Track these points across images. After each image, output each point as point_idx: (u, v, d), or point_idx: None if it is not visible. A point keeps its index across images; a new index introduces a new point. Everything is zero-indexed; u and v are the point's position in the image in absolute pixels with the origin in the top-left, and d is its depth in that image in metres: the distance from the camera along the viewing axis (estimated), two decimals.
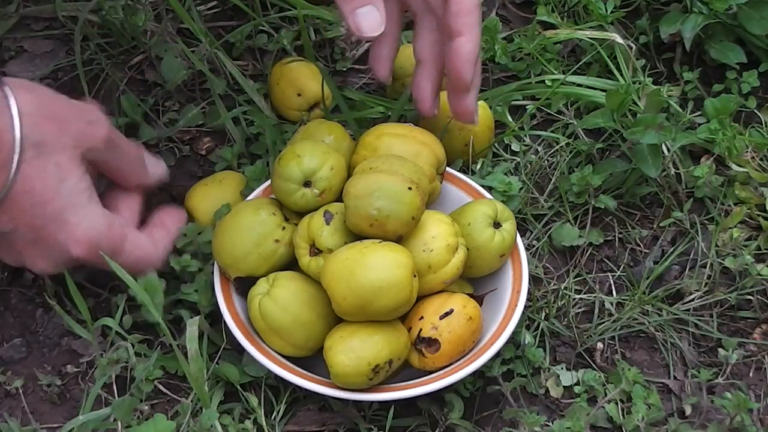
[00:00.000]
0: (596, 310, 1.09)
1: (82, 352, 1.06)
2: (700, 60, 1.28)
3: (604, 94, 1.18)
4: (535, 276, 1.10)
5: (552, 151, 1.19)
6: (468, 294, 1.02)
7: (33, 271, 1.02)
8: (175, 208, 1.09)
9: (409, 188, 0.97)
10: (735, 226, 1.14)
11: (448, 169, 1.09)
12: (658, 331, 1.08)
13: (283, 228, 1.02)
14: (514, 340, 1.05)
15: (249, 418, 1.00)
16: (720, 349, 1.07)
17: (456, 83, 1.05)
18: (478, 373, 1.02)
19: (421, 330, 0.98)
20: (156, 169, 1.08)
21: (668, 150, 1.16)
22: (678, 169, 1.17)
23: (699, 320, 1.09)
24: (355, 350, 0.95)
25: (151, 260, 1.03)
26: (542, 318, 1.08)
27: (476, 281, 1.06)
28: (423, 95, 1.08)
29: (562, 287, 1.10)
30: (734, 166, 1.17)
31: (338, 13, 1.05)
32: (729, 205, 1.15)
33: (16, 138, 0.93)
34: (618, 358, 1.07)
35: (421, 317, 0.99)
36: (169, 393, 1.03)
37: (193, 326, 0.99)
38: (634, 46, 1.25)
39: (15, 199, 0.94)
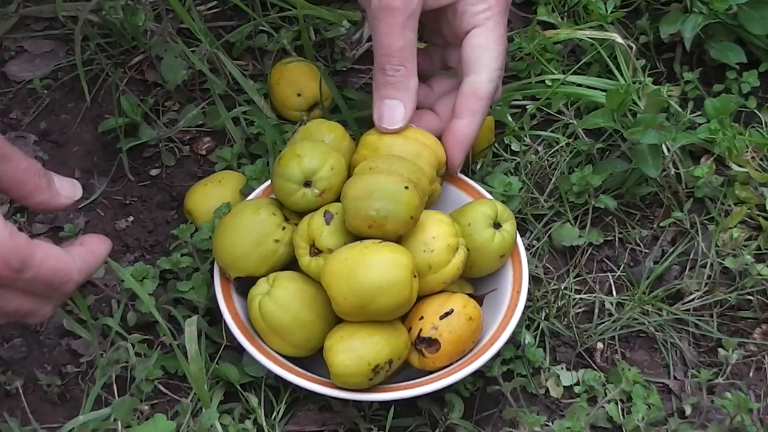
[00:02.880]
0: (596, 310, 1.09)
1: (82, 352, 1.06)
2: (700, 60, 1.28)
3: (604, 94, 1.18)
4: (535, 276, 1.10)
5: (552, 151, 1.19)
6: (468, 294, 1.02)
7: None
8: (101, 235, 0.98)
9: (406, 187, 0.97)
10: (735, 226, 1.14)
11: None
12: (658, 331, 1.08)
13: (283, 228, 1.02)
14: (514, 340, 1.05)
15: (249, 418, 1.00)
16: (720, 349, 1.07)
17: (446, 161, 1.07)
18: (478, 373, 1.02)
19: (421, 330, 0.98)
20: (68, 190, 0.96)
21: (668, 150, 1.16)
22: (678, 169, 1.17)
23: (699, 320, 1.09)
24: (355, 350, 0.95)
25: (70, 270, 0.91)
26: (542, 318, 1.08)
27: (476, 281, 1.06)
28: (456, 155, 1.08)
29: (562, 287, 1.10)
30: (734, 166, 1.17)
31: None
32: (729, 205, 1.15)
33: None
34: (618, 358, 1.07)
35: (421, 317, 0.99)
36: (169, 393, 1.03)
37: (191, 326, 0.99)
38: (634, 46, 1.25)
39: None
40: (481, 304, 1.02)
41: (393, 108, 1.05)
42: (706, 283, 1.10)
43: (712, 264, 1.11)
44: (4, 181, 0.91)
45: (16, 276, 0.87)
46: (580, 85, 1.22)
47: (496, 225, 1.03)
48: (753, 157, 1.18)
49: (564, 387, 1.05)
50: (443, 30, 1.09)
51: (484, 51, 1.05)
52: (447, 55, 1.12)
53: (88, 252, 0.94)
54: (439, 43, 1.12)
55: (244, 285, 1.02)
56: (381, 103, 1.05)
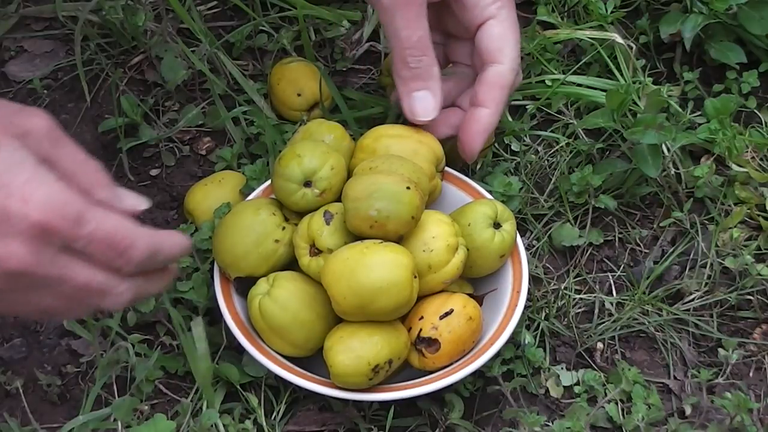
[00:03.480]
0: (596, 310, 1.09)
1: (82, 352, 1.06)
2: (700, 60, 1.28)
3: (604, 94, 1.18)
4: (535, 276, 1.10)
5: (552, 151, 1.19)
6: (468, 294, 1.02)
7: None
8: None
9: (408, 188, 0.97)
10: (735, 226, 1.14)
11: (447, 169, 1.09)
12: (658, 331, 1.08)
13: (283, 228, 1.02)
14: (514, 340, 1.05)
15: (249, 418, 1.00)
16: (720, 349, 1.07)
17: (462, 150, 1.07)
18: (478, 373, 1.02)
19: (421, 330, 0.98)
20: (132, 198, 0.88)
21: (668, 150, 1.16)
22: (678, 169, 1.17)
23: (699, 320, 1.09)
24: (355, 350, 0.95)
25: (133, 233, 0.84)
26: (542, 318, 1.08)
27: (476, 281, 1.06)
28: (476, 143, 1.07)
29: (562, 287, 1.10)
30: (734, 166, 1.17)
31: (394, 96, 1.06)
32: (729, 205, 1.15)
33: None
34: (618, 358, 1.07)
35: (421, 317, 0.99)
36: (169, 393, 1.03)
37: (198, 326, 0.99)
38: (634, 46, 1.25)
39: None
40: (481, 304, 1.02)
41: (424, 99, 1.05)
42: (706, 283, 1.10)
43: (712, 264, 1.11)
44: (62, 170, 0.84)
45: (74, 230, 0.81)
46: (580, 85, 1.22)
47: (496, 225, 1.03)
48: (753, 157, 1.18)
49: (564, 387, 1.05)
50: (447, 24, 1.09)
51: (504, 41, 1.06)
52: (450, 50, 1.11)
53: (156, 232, 0.86)
54: (437, 40, 1.11)
55: (244, 285, 1.02)
56: (411, 97, 1.05)
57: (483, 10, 1.06)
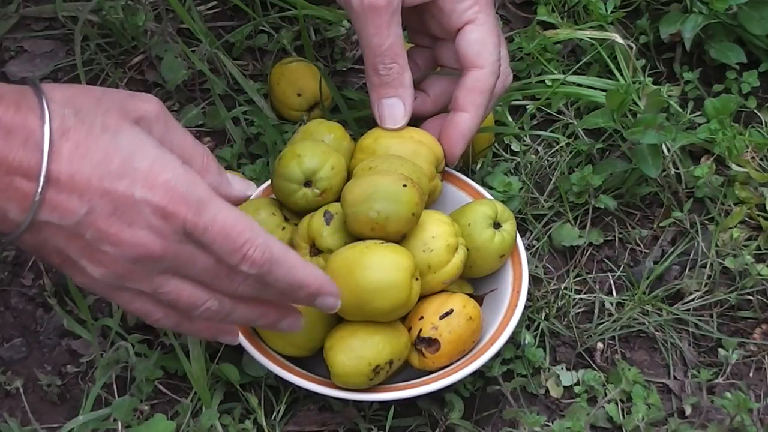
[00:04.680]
0: (596, 310, 1.09)
1: (82, 352, 1.06)
2: (700, 60, 1.28)
3: (604, 94, 1.18)
4: (535, 276, 1.10)
5: (552, 151, 1.19)
6: (468, 294, 1.02)
7: (131, 249, 0.83)
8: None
9: (404, 185, 0.97)
10: (735, 226, 1.14)
11: (447, 169, 1.09)
12: (658, 331, 1.08)
13: (283, 228, 1.02)
14: (514, 340, 1.05)
15: (249, 418, 1.00)
16: (720, 349, 1.07)
17: (444, 154, 1.06)
18: (478, 373, 1.02)
19: (421, 330, 0.98)
20: (241, 184, 0.91)
21: (668, 150, 1.16)
22: (678, 169, 1.17)
23: (699, 320, 1.09)
24: (355, 350, 0.95)
25: (252, 228, 0.84)
26: (542, 318, 1.08)
27: (476, 281, 1.06)
28: (456, 148, 1.07)
29: (562, 287, 1.10)
30: (734, 166, 1.17)
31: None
32: (729, 205, 1.15)
33: (45, 114, 0.81)
34: (618, 358, 1.07)
35: (421, 317, 0.99)
36: (169, 393, 1.03)
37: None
38: (634, 46, 1.25)
39: (76, 169, 0.81)
40: (481, 304, 1.02)
41: (393, 106, 1.05)
42: (706, 283, 1.10)
43: (712, 264, 1.11)
44: (176, 154, 0.85)
45: (195, 217, 0.82)
46: (580, 85, 1.22)
47: (496, 225, 1.03)
48: (753, 157, 1.18)
49: (564, 387, 1.05)
50: (430, 27, 1.09)
51: (482, 45, 1.05)
52: (438, 53, 1.11)
53: (289, 251, 0.86)
54: (425, 44, 1.11)
55: None
56: (380, 103, 1.05)
57: (461, 15, 1.05)
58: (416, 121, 1.13)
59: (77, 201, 0.81)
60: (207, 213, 0.82)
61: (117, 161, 0.81)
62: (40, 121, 0.80)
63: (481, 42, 1.05)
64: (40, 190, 0.80)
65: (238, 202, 0.89)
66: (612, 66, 1.23)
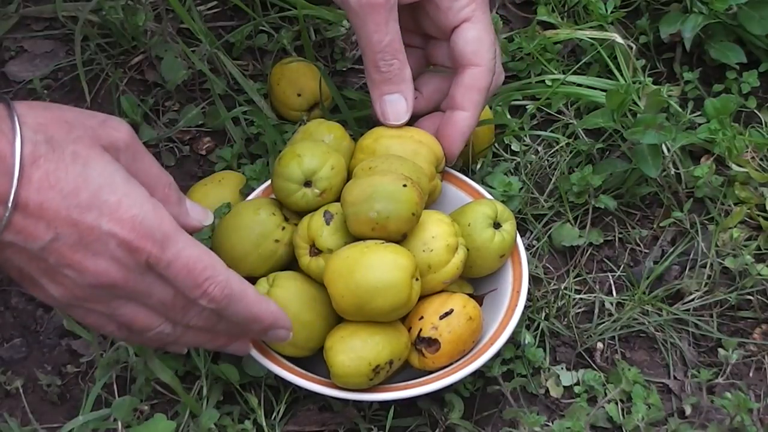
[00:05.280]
0: (596, 310, 1.09)
1: (82, 352, 1.06)
2: (700, 60, 1.28)
3: (604, 94, 1.18)
4: (535, 276, 1.10)
5: (552, 151, 1.19)
6: (468, 294, 1.02)
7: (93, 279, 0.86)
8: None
9: (404, 185, 0.97)
10: (735, 226, 1.14)
11: (447, 169, 1.09)
12: (658, 331, 1.08)
13: (283, 228, 1.02)
14: (514, 340, 1.05)
15: (249, 419, 1.00)
16: (720, 349, 1.07)
17: (443, 153, 1.07)
18: (478, 373, 1.02)
19: (421, 330, 0.98)
20: (199, 214, 0.93)
21: (668, 150, 1.16)
22: (678, 169, 1.17)
23: (699, 320, 1.09)
24: (355, 350, 0.95)
25: (215, 266, 0.87)
26: (542, 318, 1.08)
27: (476, 281, 1.06)
28: (455, 146, 1.08)
29: (562, 287, 1.10)
30: (734, 166, 1.17)
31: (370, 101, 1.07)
32: (729, 205, 1.15)
33: (17, 139, 0.83)
34: (618, 358, 1.07)
35: (421, 317, 0.99)
36: (169, 393, 1.03)
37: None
38: (634, 46, 1.25)
39: (44, 198, 0.82)
40: (481, 304, 1.02)
41: (396, 103, 1.05)
42: (706, 283, 1.10)
43: (712, 264, 1.11)
44: (141, 183, 0.88)
45: (159, 252, 0.85)
46: (580, 85, 1.22)
47: (496, 225, 1.03)
48: (753, 157, 1.18)
49: (564, 387, 1.05)
50: (424, 26, 1.09)
51: (479, 43, 1.05)
52: (431, 52, 1.11)
53: (249, 288, 0.90)
54: (416, 44, 1.11)
55: None
56: (381, 100, 1.05)
57: (457, 13, 1.05)
58: (410, 119, 1.13)
59: (44, 228, 0.83)
60: (171, 248, 0.85)
61: (86, 193, 0.83)
62: (12, 147, 0.82)
63: (478, 40, 1.05)
64: (7, 214, 0.82)
65: (194, 231, 0.92)
66: (612, 66, 1.23)
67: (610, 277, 1.12)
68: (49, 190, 0.82)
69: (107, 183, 0.84)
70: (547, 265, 1.13)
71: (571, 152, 1.18)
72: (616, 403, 1.02)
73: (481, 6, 1.06)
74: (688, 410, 1.03)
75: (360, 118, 1.17)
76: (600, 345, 1.08)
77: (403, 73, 1.05)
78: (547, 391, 1.05)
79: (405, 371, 1.00)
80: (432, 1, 1.06)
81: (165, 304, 0.88)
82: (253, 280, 1.00)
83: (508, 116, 1.21)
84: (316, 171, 1.01)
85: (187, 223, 0.91)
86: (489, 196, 1.08)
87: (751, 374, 1.07)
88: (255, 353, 0.98)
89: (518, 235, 1.05)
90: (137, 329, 0.89)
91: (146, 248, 0.84)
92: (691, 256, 1.13)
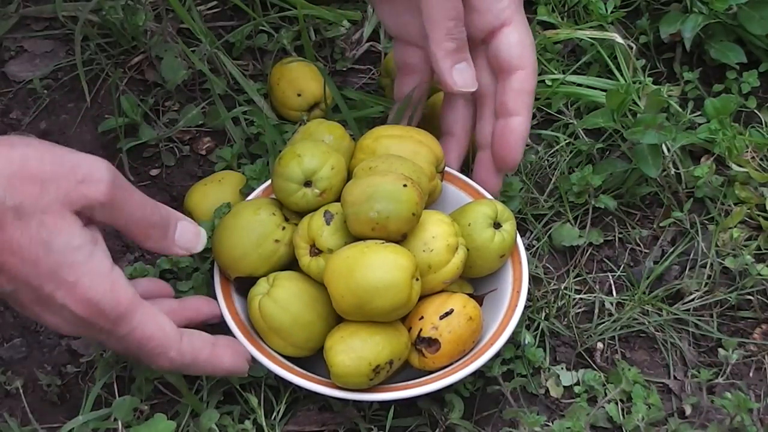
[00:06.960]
0: (596, 310, 1.09)
1: (82, 352, 1.06)
2: (700, 60, 1.28)
3: (604, 94, 1.18)
4: (535, 276, 1.10)
5: (552, 151, 1.19)
6: (468, 294, 1.02)
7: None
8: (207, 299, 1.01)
9: (404, 185, 0.97)
10: (735, 226, 1.14)
11: (447, 169, 1.09)
12: (658, 331, 1.08)
13: (283, 228, 1.02)
14: (514, 340, 1.05)
15: (249, 419, 1.00)
16: (720, 349, 1.07)
17: (503, 162, 1.07)
18: (478, 373, 1.02)
19: (421, 330, 0.98)
20: (188, 241, 0.96)
21: (668, 150, 1.16)
22: (678, 169, 1.17)
23: (699, 320, 1.09)
24: (355, 350, 0.95)
25: (167, 344, 0.92)
26: (542, 318, 1.08)
27: (476, 281, 1.06)
28: (491, 182, 1.09)
29: (562, 287, 1.10)
30: (734, 166, 1.17)
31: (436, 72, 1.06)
32: (729, 205, 1.16)
33: None
34: (618, 358, 1.07)
35: (421, 317, 0.99)
36: (169, 393, 1.03)
37: None
38: (634, 46, 1.25)
39: (6, 260, 0.86)
40: (481, 304, 1.02)
41: (465, 71, 1.05)
42: (706, 283, 1.11)
43: (712, 264, 1.11)
44: (117, 228, 0.92)
45: (111, 328, 0.89)
46: (580, 85, 1.22)
47: (496, 225, 1.03)
48: (753, 157, 1.18)
49: (564, 387, 1.05)
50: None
51: (523, 46, 1.06)
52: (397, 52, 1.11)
53: (204, 342, 0.95)
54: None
55: (244, 285, 1.02)
56: (454, 69, 1.05)
57: (498, 15, 1.05)
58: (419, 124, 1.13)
59: (4, 280, 0.87)
60: (125, 327, 0.90)
61: (45, 266, 0.86)
62: None
63: (521, 43, 1.05)
64: None
65: (183, 255, 0.97)
66: (612, 66, 1.23)
67: (610, 277, 1.12)
68: (10, 254, 0.85)
69: (67, 262, 0.87)
70: (547, 265, 1.13)
71: (571, 152, 1.18)
72: (616, 403, 1.02)
73: (519, 8, 1.06)
74: (688, 410, 1.03)
75: (360, 118, 1.17)
76: (600, 345, 1.08)
77: (467, 43, 1.05)
78: (547, 391, 1.05)
79: (405, 371, 1.00)
80: (470, 5, 1.05)
81: (120, 349, 0.93)
82: (253, 280, 1.01)
83: None
84: (316, 171, 1.01)
85: (173, 253, 0.96)
86: (489, 196, 1.09)
87: (751, 374, 1.07)
88: (255, 353, 0.98)
89: (518, 235, 1.05)
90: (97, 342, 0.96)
91: (100, 323, 0.89)
92: (691, 256, 1.13)
